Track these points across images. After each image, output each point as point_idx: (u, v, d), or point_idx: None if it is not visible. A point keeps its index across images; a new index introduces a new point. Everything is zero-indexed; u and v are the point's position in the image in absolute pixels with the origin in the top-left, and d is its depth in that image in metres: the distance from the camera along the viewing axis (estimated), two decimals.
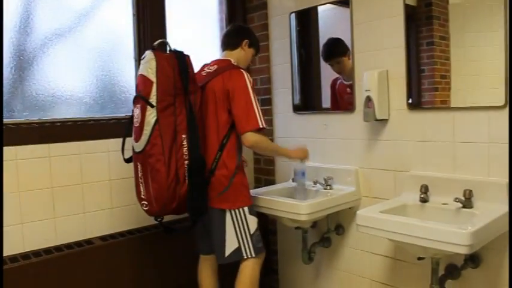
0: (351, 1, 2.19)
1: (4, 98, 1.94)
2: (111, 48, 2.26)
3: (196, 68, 2.01)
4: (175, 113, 1.82)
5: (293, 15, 2.50)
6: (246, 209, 1.97)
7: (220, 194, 1.93)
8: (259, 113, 1.92)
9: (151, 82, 1.79)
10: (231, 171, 1.94)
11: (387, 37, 2.05)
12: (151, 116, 1.79)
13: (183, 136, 1.83)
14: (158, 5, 2.35)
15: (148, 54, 1.84)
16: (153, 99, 1.79)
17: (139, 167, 1.86)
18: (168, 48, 1.92)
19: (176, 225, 2.25)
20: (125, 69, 2.30)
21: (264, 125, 1.92)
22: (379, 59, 2.09)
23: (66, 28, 2.11)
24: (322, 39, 2.39)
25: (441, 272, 1.82)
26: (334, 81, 2.37)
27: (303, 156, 2.22)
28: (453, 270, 1.84)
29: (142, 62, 1.87)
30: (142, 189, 1.86)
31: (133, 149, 1.89)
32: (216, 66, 2.04)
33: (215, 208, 1.95)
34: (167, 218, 2.01)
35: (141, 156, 1.83)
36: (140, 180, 1.86)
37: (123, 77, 2.30)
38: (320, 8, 2.37)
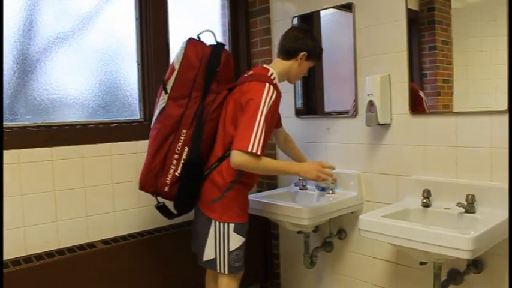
0: (353, 6, 2.19)
1: (7, 101, 1.95)
2: (114, 52, 2.27)
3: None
4: (188, 106, 1.82)
5: (296, 19, 2.50)
6: (231, 225, 1.83)
7: (209, 203, 1.86)
8: (256, 137, 1.68)
9: (174, 70, 1.82)
10: (226, 183, 1.82)
11: (389, 42, 2.06)
12: (162, 101, 1.83)
13: (184, 131, 1.82)
14: (161, 9, 2.36)
15: (183, 43, 1.84)
16: (169, 85, 1.81)
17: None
18: (215, 40, 1.87)
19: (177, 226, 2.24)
20: (127, 73, 2.31)
21: (257, 151, 1.67)
22: (382, 63, 2.09)
23: (69, 32, 2.12)
24: (325, 44, 2.39)
25: (444, 277, 1.81)
26: None
27: (316, 177, 1.81)
28: (456, 276, 1.84)
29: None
30: None
31: None
32: (251, 73, 1.92)
33: (204, 213, 1.88)
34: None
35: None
36: None
37: (126, 81, 2.30)
38: (322, 13, 2.38)
